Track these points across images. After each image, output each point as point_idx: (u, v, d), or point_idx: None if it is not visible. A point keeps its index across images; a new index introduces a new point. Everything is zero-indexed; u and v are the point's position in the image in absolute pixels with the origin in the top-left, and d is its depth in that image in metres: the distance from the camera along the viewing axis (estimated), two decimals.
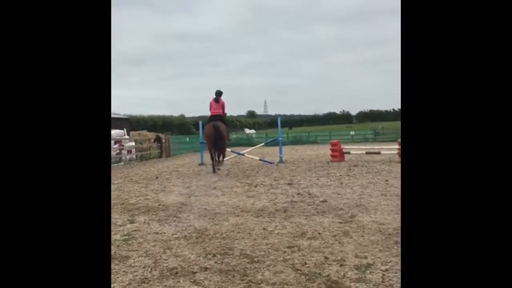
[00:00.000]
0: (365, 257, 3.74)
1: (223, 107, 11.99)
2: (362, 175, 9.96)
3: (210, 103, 11.97)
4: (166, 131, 31.15)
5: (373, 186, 8.12)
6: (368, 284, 3.11)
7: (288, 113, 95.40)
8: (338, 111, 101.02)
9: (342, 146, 14.72)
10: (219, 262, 3.78)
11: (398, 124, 55.09)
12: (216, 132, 11.20)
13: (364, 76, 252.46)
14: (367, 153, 14.75)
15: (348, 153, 14.68)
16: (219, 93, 11.99)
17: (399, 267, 3.45)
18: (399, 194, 7.10)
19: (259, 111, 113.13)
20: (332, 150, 14.27)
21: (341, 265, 3.55)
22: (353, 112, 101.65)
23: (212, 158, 11.74)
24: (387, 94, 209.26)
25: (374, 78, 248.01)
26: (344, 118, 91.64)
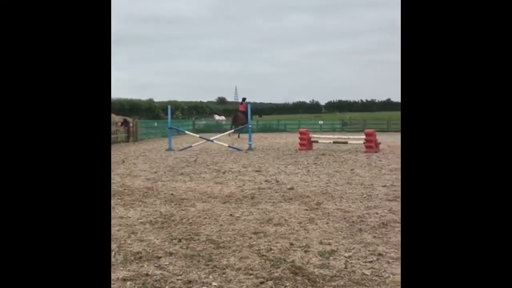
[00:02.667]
0: (329, 244, 3.81)
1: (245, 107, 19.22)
2: (329, 164, 10.11)
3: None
4: (133, 115, 30.57)
5: (339, 175, 8.26)
6: (331, 270, 3.17)
7: (258, 100, 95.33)
8: (308, 101, 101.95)
9: (310, 135, 14.86)
10: (184, 247, 3.77)
11: (365, 115, 56.08)
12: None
13: (335, 67, 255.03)
14: (334, 142, 14.95)
15: (316, 142, 14.84)
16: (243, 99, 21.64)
17: (362, 253, 3.53)
18: (364, 182, 7.27)
19: (230, 97, 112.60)
20: (300, 138, 14.37)
21: (305, 251, 3.61)
22: (322, 102, 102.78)
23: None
24: (356, 85, 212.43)
25: (344, 69, 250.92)
26: (313, 108, 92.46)
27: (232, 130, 20.04)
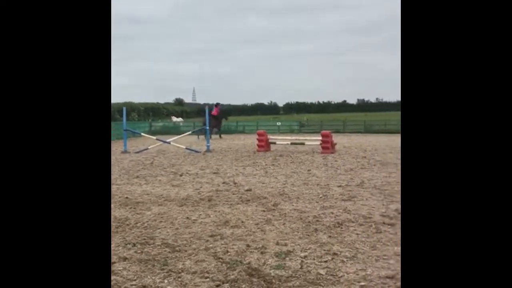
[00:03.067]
0: (286, 245, 3.84)
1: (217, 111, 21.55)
2: (287, 165, 10.21)
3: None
4: None
5: (296, 176, 8.35)
6: (287, 271, 3.19)
7: (216, 102, 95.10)
8: (266, 102, 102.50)
9: (268, 136, 14.95)
10: (139, 251, 3.68)
11: (321, 116, 57.00)
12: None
13: (294, 68, 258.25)
14: (292, 143, 15.12)
15: (274, 143, 14.95)
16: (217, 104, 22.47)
17: (317, 253, 3.58)
18: (320, 183, 7.38)
19: (188, 99, 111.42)
20: (258, 140, 14.44)
21: (262, 253, 3.62)
22: (281, 103, 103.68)
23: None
24: (313, 87, 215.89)
25: (303, 70, 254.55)
26: (271, 109, 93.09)
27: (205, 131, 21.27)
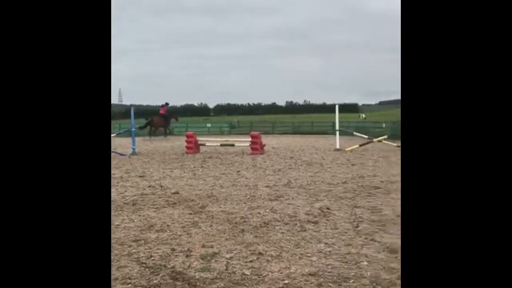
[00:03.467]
0: (212, 247, 3.81)
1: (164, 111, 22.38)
2: (216, 167, 10.18)
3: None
4: None
5: (225, 177, 8.35)
6: (212, 273, 3.17)
7: (145, 103, 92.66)
8: (196, 103, 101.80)
9: (197, 138, 14.83)
10: None
11: (252, 117, 57.52)
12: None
13: (224, 70, 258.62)
14: (221, 145, 15.11)
15: (204, 145, 14.85)
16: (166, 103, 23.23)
17: (243, 254, 3.60)
18: (249, 184, 7.44)
19: (113, 100, 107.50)
20: (187, 142, 14.26)
21: (187, 256, 3.56)
22: (211, 105, 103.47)
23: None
24: (243, 89, 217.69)
25: (233, 72, 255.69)
26: (202, 111, 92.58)
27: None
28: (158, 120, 22.28)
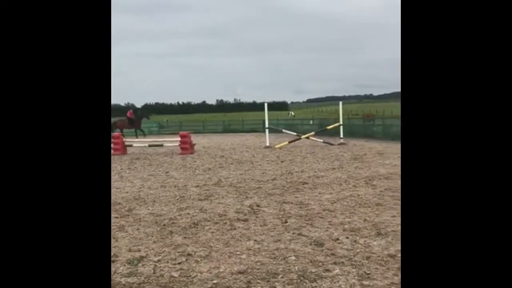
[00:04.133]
0: (139, 250, 3.71)
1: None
2: (144, 168, 9.91)
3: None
4: None
5: (153, 178, 8.16)
6: (139, 277, 3.08)
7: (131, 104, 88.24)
8: (123, 103, 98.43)
9: (124, 139, 14.35)
10: None
11: (182, 117, 56.69)
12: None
13: (150, 69, 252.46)
14: (150, 145, 14.75)
15: (131, 146, 14.41)
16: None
17: (171, 256, 3.53)
18: (178, 184, 7.33)
19: None
20: (113, 143, 13.73)
21: (113, 261, 3.42)
22: (139, 104, 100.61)
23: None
24: (172, 88, 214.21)
25: (159, 71, 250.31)
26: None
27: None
28: (121, 123, 22.41)
